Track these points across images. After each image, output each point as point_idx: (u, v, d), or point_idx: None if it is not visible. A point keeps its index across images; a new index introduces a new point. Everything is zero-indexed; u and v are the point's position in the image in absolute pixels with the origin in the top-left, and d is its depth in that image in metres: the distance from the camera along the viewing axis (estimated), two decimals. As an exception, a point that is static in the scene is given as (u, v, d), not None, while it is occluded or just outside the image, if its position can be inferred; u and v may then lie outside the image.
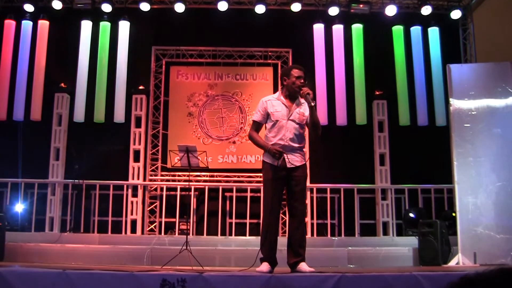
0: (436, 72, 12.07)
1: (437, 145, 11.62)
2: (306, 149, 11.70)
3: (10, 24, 12.04)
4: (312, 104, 6.02)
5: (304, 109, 6.18)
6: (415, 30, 12.35)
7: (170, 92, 12.63)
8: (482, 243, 8.16)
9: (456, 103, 8.49)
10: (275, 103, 6.25)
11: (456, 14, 12.22)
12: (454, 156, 8.43)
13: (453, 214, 10.67)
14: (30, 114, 11.77)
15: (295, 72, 6.18)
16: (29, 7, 11.90)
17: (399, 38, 12.31)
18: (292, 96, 6.23)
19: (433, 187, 11.55)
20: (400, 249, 9.24)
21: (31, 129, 11.88)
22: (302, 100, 6.20)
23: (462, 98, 8.50)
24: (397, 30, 12.35)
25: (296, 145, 6.12)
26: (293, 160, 6.07)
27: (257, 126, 6.33)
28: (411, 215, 10.88)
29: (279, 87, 12.15)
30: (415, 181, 11.65)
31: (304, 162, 6.20)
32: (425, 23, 12.38)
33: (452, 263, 8.47)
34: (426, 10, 12.10)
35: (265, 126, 6.34)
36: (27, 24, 12.08)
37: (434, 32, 12.36)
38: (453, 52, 12.50)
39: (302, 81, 6.16)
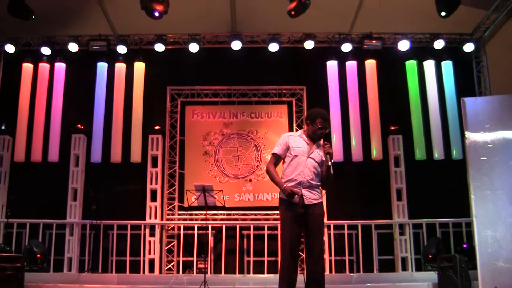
0: (451, 106, 12.07)
1: (454, 179, 11.58)
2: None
3: (28, 67, 12.26)
4: (329, 163, 6.08)
5: (322, 152, 6.20)
6: (429, 64, 12.38)
7: (186, 131, 12.68)
8: (503, 277, 8.04)
9: (471, 136, 8.46)
10: (297, 139, 6.31)
11: (469, 47, 12.25)
12: (471, 190, 8.36)
13: (458, 249, 10.54)
14: (47, 156, 11.88)
15: (319, 122, 6.21)
16: (46, 50, 12.13)
17: (413, 73, 12.36)
18: (313, 138, 6.28)
19: (451, 221, 11.46)
20: (420, 284, 9.15)
21: (48, 170, 11.98)
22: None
23: (478, 131, 8.47)
24: (411, 65, 12.41)
25: (314, 182, 6.14)
26: (311, 197, 6.08)
27: (276, 159, 6.34)
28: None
29: (294, 124, 12.23)
30: (433, 216, 11.57)
31: (321, 200, 6.19)
32: (438, 57, 12.41)
33: (473, 297, 8.37)
34: (439, 44, 12.15)
35: (283, 161, 6.36)
36: (44, 67, 12.29)
37: (447, 66, 12.38)
38: (467, 85, 12.51)
39: (324, 131, 6.21)
